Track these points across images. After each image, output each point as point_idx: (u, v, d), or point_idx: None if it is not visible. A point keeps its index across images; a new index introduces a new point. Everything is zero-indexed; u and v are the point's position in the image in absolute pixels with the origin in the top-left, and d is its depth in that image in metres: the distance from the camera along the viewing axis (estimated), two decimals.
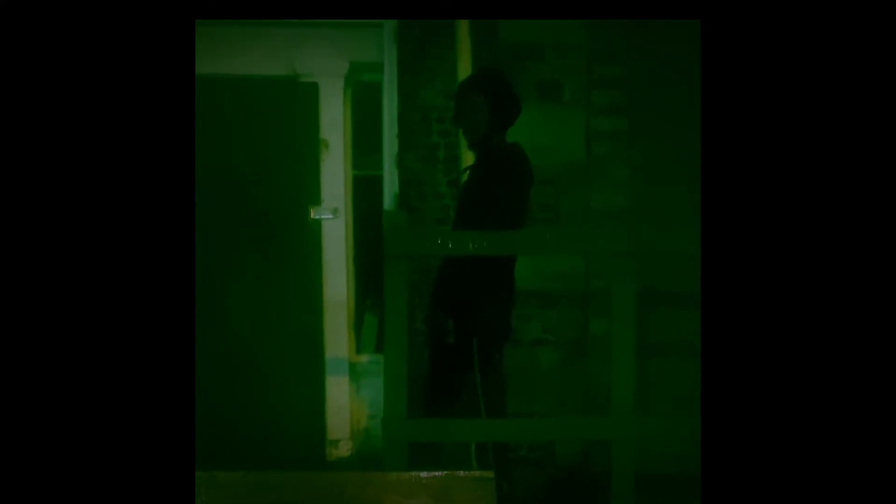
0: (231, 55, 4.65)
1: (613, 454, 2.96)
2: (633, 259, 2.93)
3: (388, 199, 4.50)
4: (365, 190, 4.91)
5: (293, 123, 4.69)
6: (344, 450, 4.82)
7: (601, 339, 4.42)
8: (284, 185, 4.70)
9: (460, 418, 3.38)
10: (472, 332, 3.50)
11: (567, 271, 4.49)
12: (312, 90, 4.69)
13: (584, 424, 3.17)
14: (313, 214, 4.68)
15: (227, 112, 4.67)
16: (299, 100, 4.68)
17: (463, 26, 4.16)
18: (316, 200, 4.70)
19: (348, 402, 4.84)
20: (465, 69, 4.09)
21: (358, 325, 5.03)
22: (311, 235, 4.71)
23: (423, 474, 1.98)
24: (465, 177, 3.69)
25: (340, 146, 4.74)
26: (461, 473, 2.01)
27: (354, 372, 4.87)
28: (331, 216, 4.68)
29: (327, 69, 4.70)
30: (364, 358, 4.97)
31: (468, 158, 3.83)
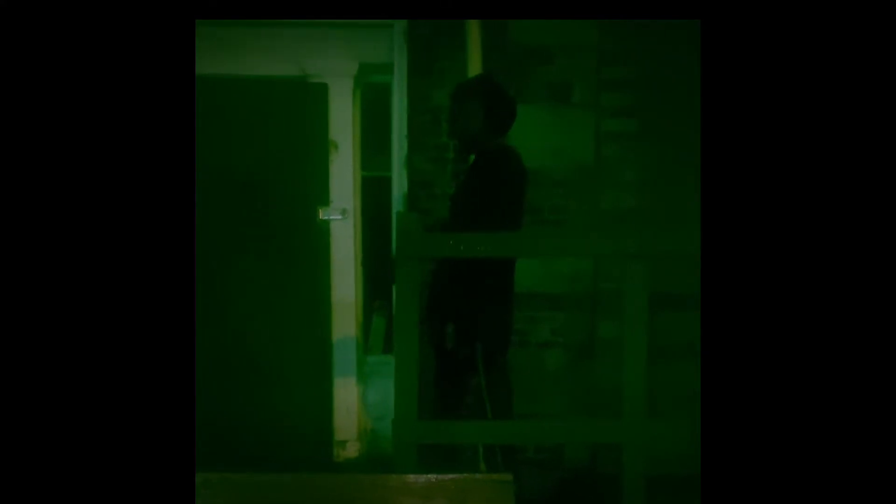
0: (240, 56, 4.65)
1: (624, 457, 2.95)
2: (645, 262, 2.92)
3: (397, 201, 4.50)
4: (374, 191, 4.91)
5: (302, 124, 4.68)
6: (351, 451, 4.83)
7: (609, 342, 4.43)
8: (293, 186, 4.69)
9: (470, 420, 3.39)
10: (472, 337, 3.50)
11: (575, 273, 4.49)
12: (322, 91, 4.68)
13: (595, 427, 3.16)
14: (322, 215, 4.68)
15: (235, 112, 4.67)
16: (308, 100, 4.68)
17: (473, 27, 4.15)
18: (325, 201, 4.70)
19: (356, 403, 4.84)
20: (475, 70, 4.09)
21: (366, 327, 5.03)
22: (320, 236, 4.71)
23: (441, 477, 1.97)
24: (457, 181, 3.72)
25: (349, 147, 4.73)
26: (479, 476, 2.00)
27: (362, 373, 4.87)
28: (339, 217, 4.68)
29: (337, 70, 4.69)
30: (372, 359, 4.97)
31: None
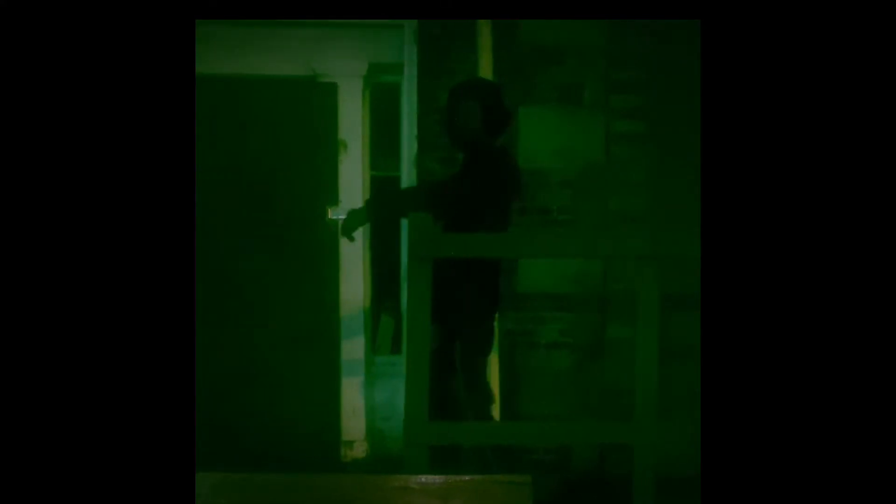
0: (250, 56, 4.65)
1: (635, 458, 2.95)
2: (657, 263, 2.91)
3: None
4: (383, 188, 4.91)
5: (312, 124, 4.68)
6: (358, 451, 4.82)
7: (618, 343, 4.42)
8: (302, 186, 4.69)
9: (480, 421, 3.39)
10: (453, 338, 3.51)
11: (584, 274, 4.48)
12: (331, 91, 4.68)
13: (607, 428, 3.15)
14: (331, 215, 4.68)
15: (245, 112, 4.67)
16: (318, 100, 4.68)
17: (483, 28, 4.15)
18: (334, 201, 4.69)
19: (363, 403, 4.84)
20: (485, 71, 4.09)
21: (374, 327, 5.03)
22: (329, 236, 4.70)
23: (459, 478, 1.97)
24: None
25: (359, 147, 4.73)
26: (497, 477, 2.00)
27: (370, 373, 4.86)
28: None
29: (346, 70, 4.69)
30: (380, 359, 4.97)
31: None
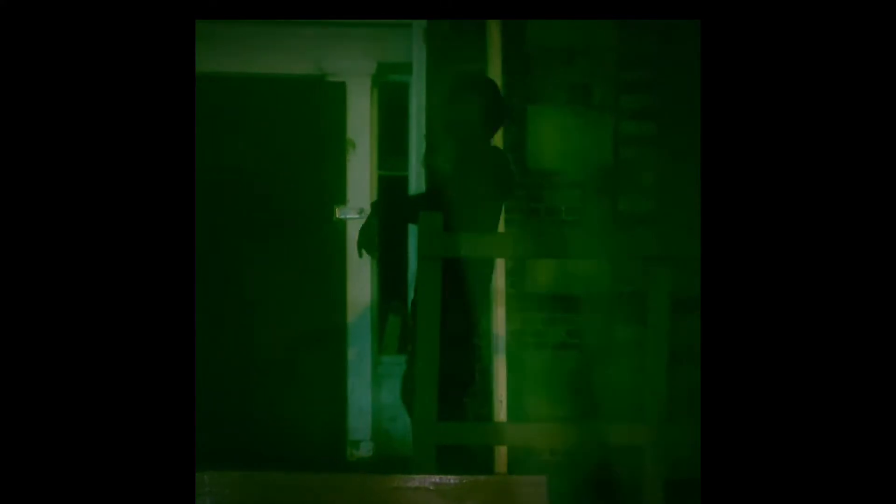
0: (258, 54, 4.65)
1: (644, 460, 2.94)
2: (668, 264, 2.90)
3: None
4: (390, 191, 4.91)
5: (320, 123, 4.69)
6: (364, 451, 4.81)
7: (626, 344, 4.42)
8: (310, 185, 4.70)
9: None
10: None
11: (592, 275, 4.47)
12: (339, 89, 4.68)
13: (615, 430, 3.14)
14: (338, 214, 4.68)
15: (253, 111, 4.68)
16: (326, 99, 4.68)
17: (492, 28, 4.14)
18: (341, 200, 4.69)
19: (370, 403, 4.83)
20: (495, 71, 4.08)
21: (381, 326, 5.02)
22: (336, 235, 4.70)
23: (475, 478, 1.96)
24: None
25: (367, 146, 4.73)
26: (513, 477, 1.99)
27: (376, 373, 4.86)
28: (356, 216, 4.66)
29: (355, 69, 4.69)
30: (387, 359, 4.96)
31: None
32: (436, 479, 2.01)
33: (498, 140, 3.88)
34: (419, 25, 4.41)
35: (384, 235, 4.77)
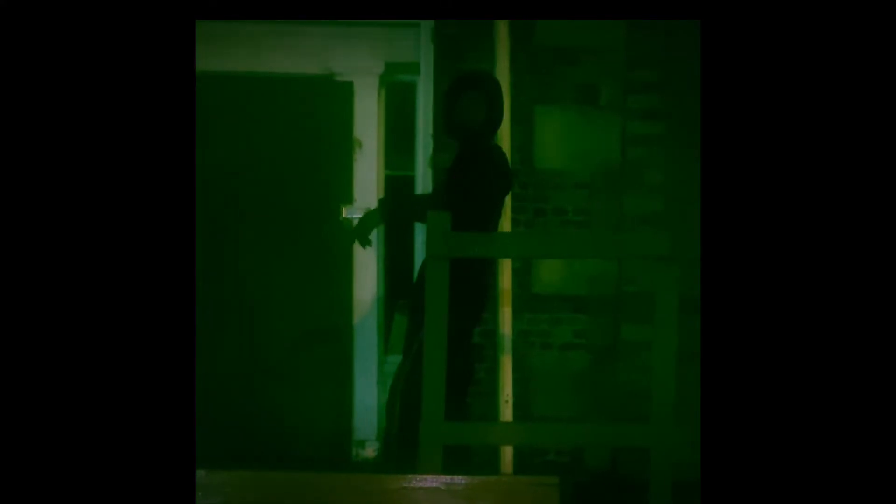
0: (266, 53, 4.65)
1: (652, 461, 2.92)
2: (676, 264, 2.89)
3: None
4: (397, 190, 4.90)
5: (327, 122, 4.68)
6: (370, 451, 4.81)
7: (632, 345, 4.41)
8: (317, 184, 4.69)
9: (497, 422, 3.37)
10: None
11: (598, 275, 4.47)
12: (347, 89, 4.68)
13: (624, 430, 3.13)
14: (345, 213, 4.68)
15: (260, 109, 4.67)
16: (333, 98, 4.68)
17: (500, 28, 4.13)
18: (348, 199, 4.69)
19: (376, 403, 4.83)
20: (502, 71, 4.07)
21: (387, 326, 5.02)
22: (342, 234, 4.69)
23: (486, 478, 1.96)
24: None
25: (374, 145, 4.73)
26: (524, 478, 1.99)
27: (383, 373, 4.85)
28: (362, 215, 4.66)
29: (362, 68, 4.68)
30: (393, 359, 4.96)
31: None
32: (447, 478, 2.01)
33: (505, 140, 3.87)
34: (427, 25, 4.42)
35: (388, 233, 4.80)
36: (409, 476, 2.02)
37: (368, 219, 3.52)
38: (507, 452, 4.03)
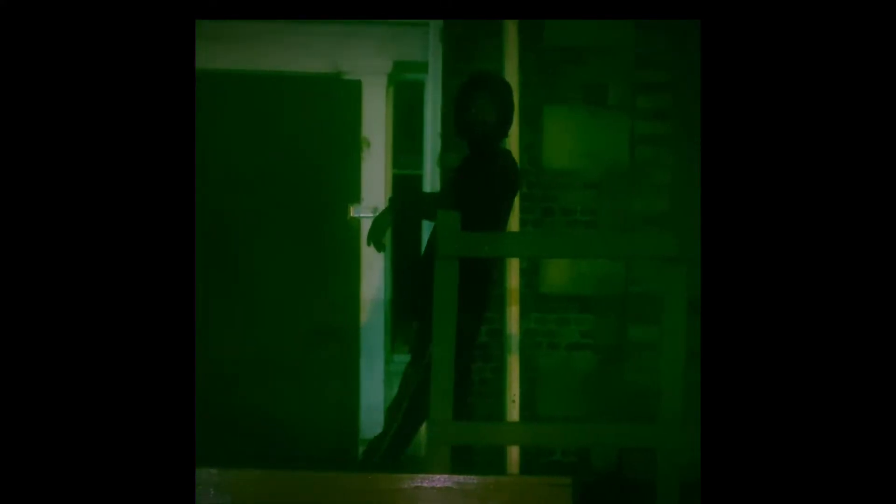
0: (275, 51, 4.65)
1: (659, 462, 2.92)
2: (685, 265, 2.89)
3: None
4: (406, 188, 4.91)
5: (335, 121, 4.69)
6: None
7: (639, 345, 4.41)
8: (325, 183, 4.69)
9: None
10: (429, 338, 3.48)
11: (605, 275, 4.47)
12: (355, 88, 4.68)
13: (632, 431, 3.12)
14: (353, 212, 4.68)
15: (269, 108, 4.68)
16: (342, 97, 4.68)
17: (509, 27, 4.13)
18: (356, 198, 4.69)
19: (382, 402, 4.83)
20: (511, 70, 4.07)
21: (395, 325, 5.02)
22: (350, 233, 4.70)
23: (498, 479, 1.96)
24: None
25: (381, 144, 4.73)
26: (536, 478, 1.99)
27: (389, 372, 4.86)
28: (370, 215, 4.66)
29: (371, 67, 4.69)
30: (399, 358, 4.96)
31: None
32: (460, 478, 2.01)
33: (513, 140, 3.87)
34: (436, 24, 4.42)
35: (396, 233, 4.80)
36: (422, 475, 2.02)
37: (381, 220, 3.52)
38: (513, 452, 4.03)
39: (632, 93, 4.43)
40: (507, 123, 3.55)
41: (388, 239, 4.74)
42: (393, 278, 4.94)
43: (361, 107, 4.70)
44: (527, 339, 4.36)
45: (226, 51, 4.52)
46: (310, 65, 4.68)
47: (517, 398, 4.11)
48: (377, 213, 3.62)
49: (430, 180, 4.55)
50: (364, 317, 4.78)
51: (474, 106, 3.46)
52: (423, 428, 3.08)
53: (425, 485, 1.99)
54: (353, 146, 4.70)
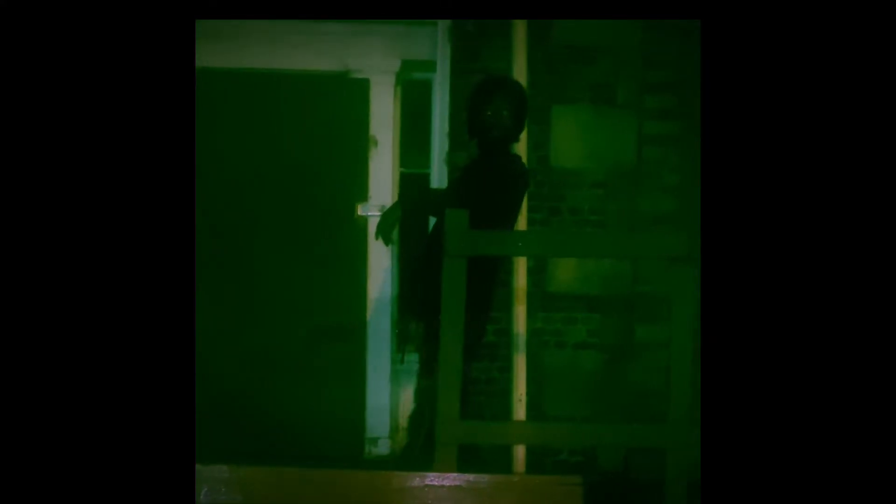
0: (282, 50, 4.66)
1: (668, 462, 2.92)
2: (692, 265, 2.89)
3: None
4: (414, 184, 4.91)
5: (343, 119, 4.69)
6: (382, 448, 4.82)
7: (646, 345, 4.41)
8: (332, 181, 4.70)
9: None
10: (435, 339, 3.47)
11: (613, 275, 4.46)
12: (363, 86, 4.69)
13: (641, 431, 3.12)
14: (360, 211, 4.69)
15: (277, 107, 4.68)
16: (350, 96, 4.69)
17: (518, 27, 4.13)
18: (363, 197, 4.70)
19: (388, 401, 4.84)
20: (519, 70, 4.08)
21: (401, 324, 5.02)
22: (358, 232, 4.71)
23: (508, 477, 1.96)
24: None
25: (389, 143, 4.73)
26: (547, 477, 1.99)
27: (396, 371, 4.86)
28: (377, 213, 4.66)
29: (379, 66, 4.69)
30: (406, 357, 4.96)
31: None
32: (470, 477, 2.01)
33: (521, 139, 3.87)
34: (444, 24, 4.41)
35: (403, 231, 4.80)
36: (431, 474, 2.02)
37: (390, 213, 3.53)
38: (520, 452, 4.03)
39: (640, 92, 4.42)
40: (521, 127, 3.55)
41: (395, 237, 4.77)
42: (399, 277, 4.94)
43: (369, 105, 4.70)
44: (534, 338, 4.36)
45: (233, 49, 4.53)
46: (318, 63, 4.68)
47: (524, 397, 4.11)
48: (386, 208, 3.63)
49: (438, 179, 4.55)
50: (371, 315, 4.78)
51: (490, 108, 3.46)
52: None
53: (435, 483, 1.99)
54: (360, 145, 4.70)
